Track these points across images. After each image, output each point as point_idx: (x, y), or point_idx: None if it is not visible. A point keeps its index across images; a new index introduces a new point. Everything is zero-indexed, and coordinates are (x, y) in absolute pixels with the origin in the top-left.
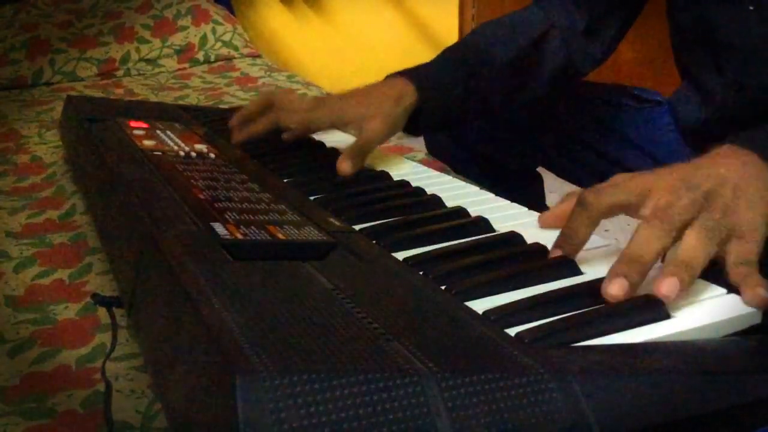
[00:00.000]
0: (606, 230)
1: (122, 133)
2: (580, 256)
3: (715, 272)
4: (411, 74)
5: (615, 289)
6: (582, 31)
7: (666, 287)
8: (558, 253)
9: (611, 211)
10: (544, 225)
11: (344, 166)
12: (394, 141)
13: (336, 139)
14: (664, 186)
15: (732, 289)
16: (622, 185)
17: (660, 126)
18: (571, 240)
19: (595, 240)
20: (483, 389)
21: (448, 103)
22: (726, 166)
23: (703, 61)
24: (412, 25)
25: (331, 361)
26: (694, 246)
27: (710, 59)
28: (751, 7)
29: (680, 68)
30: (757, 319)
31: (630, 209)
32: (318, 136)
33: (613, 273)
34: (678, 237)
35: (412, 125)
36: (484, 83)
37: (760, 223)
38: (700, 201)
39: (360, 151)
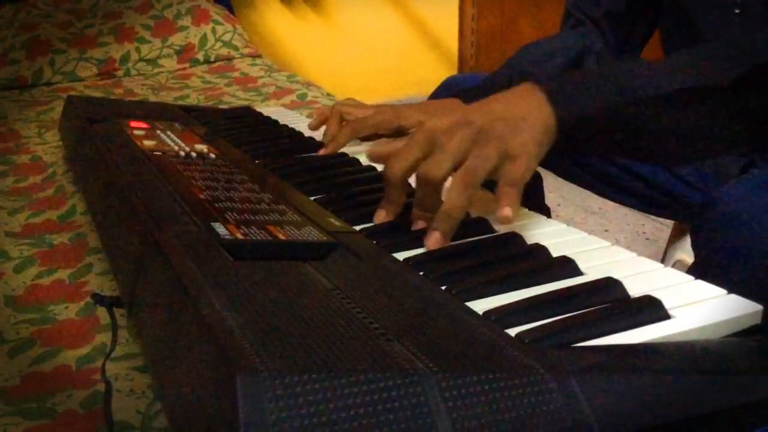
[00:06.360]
0: (606, 230)
1: (122, 133)
2: (580, 256)
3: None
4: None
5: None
6: (613, 48)
7: (432, 243)
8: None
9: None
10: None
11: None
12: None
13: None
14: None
15: (732, 289)
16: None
17: None
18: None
19: (595, 240)
20: (483, 389)
21: None
22: (504, 103)
23: None
24: (412, 25)
25: (332, 361)
26: (454, 197)
27: None
28: (737, 10)
29: None
30: (757, 320)
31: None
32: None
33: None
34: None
35: None
36: None
37: (530, 144)
38: (472, 136)
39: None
